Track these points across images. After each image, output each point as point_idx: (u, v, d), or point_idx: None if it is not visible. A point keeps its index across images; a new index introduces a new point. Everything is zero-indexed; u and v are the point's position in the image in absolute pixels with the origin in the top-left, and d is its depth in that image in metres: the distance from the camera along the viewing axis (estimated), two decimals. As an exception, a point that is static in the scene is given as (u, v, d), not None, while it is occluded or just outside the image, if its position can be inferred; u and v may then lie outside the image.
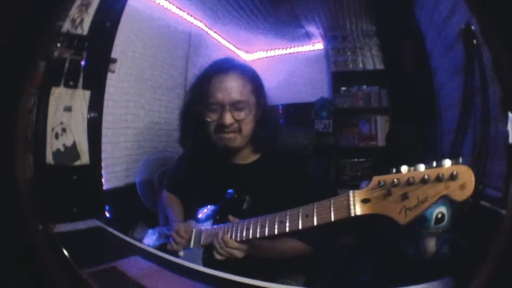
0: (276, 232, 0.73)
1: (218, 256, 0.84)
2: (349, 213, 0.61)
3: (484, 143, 1.04)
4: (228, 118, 0.93)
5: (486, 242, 0.48)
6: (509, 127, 0.61)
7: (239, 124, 0.96)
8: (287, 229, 0.71)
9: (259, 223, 0.77)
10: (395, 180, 0.56)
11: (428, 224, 1.03)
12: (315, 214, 0.66)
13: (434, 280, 0.65)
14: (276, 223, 0.73)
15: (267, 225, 0.75)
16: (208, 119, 0.96)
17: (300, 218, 0.69)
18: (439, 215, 1.02)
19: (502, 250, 0.45)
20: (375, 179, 0.59)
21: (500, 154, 0.93)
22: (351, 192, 0.62)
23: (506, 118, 0.60)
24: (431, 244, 1.06)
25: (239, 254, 0.82)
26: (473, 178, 0.52)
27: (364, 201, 0.60)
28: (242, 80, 0.97)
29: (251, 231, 0.79)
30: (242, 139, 0.98)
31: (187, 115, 1.05)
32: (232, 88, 0.95)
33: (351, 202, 0.61)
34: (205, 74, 1.00)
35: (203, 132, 0.98)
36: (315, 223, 0.66)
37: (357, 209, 0.60)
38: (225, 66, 0.99)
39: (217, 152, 1.01)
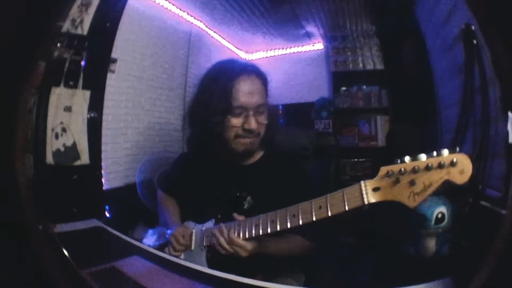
0: (289, 226, 0.73)
1: (222, 251, 0.84)
2: (363, 201, 0.64)
3: (484, 143, 1.04)
4: (253, 123, 0.92)
5: (486, 242, 0.48)
6: (509, 127, 0.61)
7: (259, 128, 0.95)
8: (301, 222, 0.72)
9: (269, 219, 0.77)
10: (402, 169, 0.61)
11: (428, 224, 1.03)
12: (328, 205, 0.68)
13: (434, 280, 0.66)
14: (288, 217, 0.74)
15: (278, 220, 0.75)
16: (232, 125, 0.93)
17: (313, 210, 0.70)
18: (439, 215, 1.02)
19: (502, 250, 0.45)
20: (383, 169, 0.63)
21: (500, 154, 0.93)
22: (362, 182, 0.65)
23: (506, 118, 0.60)
24: (431, 244, 1.06)
25: (244, 253, 0.82)
26: (470, 164, 0.57)
27: (375, 189, 0.64)
28: (261, 83, 0.97)
29: (261, 227, 0.78)
30: (259, 142, 0.98)
31: (201, 117, 0.98)
32: (255, 91, 0.93)
33: (364, 191, 0.64)
34: (225, 76, 0.94)
35: (218, 135, 0.95)
36: (329, 214, 0.68)
37: (370, 197, 0.64)
38: (245, 69, 0.96)
39: (222, 153, 1.01)
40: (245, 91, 0.92)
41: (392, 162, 0.63)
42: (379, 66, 2.77)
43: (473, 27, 1.10)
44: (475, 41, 1.10)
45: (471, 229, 0.95)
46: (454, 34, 1.30)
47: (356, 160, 2.71)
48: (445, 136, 1.50)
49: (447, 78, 1.50)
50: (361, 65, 2.84)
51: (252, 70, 0.96)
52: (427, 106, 1.71)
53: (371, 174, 0.65)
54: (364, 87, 2.83)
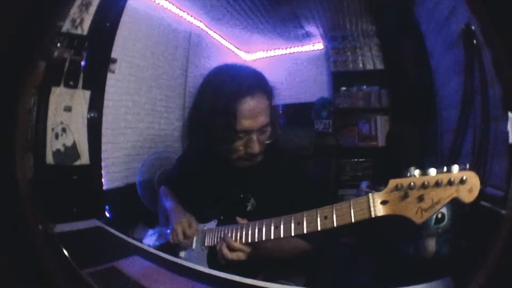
0: (293, 234, 0.72)
1: (226, 256, 0.82)
2: (370, 214, 0.63)
3: (484, 143, 1.04)
4: (256, 147, 0.89)
5: (486, 242, 0.48)
6: (509, 127, 0.61)
7: (262, 148, 0.92)
8: (305, 231, 0.71)
9: (272, 225, 0.76)
10: (411, 183, 0.60)
11: (428, 224, 1.03)
12: (334, 216, 0.67)
13: (434, 280, 0.66)
14: (293, 225, 0.73)
15: (282, 227, 0.74)
16: (235, 148, 0.89)
17: (318, 220, 0.69)
18: (439, 215, 1.02)
19: (502, 250, 0.45)
20: (393, 182, 0.62)
21: (500, 154, 0.93)
22: (370, 194, 0.64)
23: (506, 118, 0.60)
24: (431, 244, 1.06)
25: (243, 256, 0.81)
26: (478, 183, 0.56)
27: (383, 202, 0.63)
28: (266, 98, 0.91)
29: (264, 233, 0.77)
30: (260, 156, 0.95)
31: (204, 136, 0.93)
32: (259, 112, 0.88)
33: (371, 204, 0.63)
34: (227, 95, 0.86)
35: (217, 148, 0.92)
36: (335, 225, 0.67)
37: (377, 211, 0.63)
38: (249, 88, 0.87)
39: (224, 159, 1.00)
40: (249, 115, 0.86)
41: (392, 163, 0.62)
42: (379, 66, 2.77)
43: (473, 27, 1.10)
44: (475, 41, 1.10)
45: (471, 229, 0.95)
46: (454, 34, 1.30)
47: (356, 160, 2.71)
48: (445, 136, 1.50)
49: (447, 78, 1.50)
50: (361, 65, 2.83)
51: (257, 87, 0.89)
52: (427, 106, 1.71)
53: (371, 174, 0.64)
54: (364, 87, 2.82)
